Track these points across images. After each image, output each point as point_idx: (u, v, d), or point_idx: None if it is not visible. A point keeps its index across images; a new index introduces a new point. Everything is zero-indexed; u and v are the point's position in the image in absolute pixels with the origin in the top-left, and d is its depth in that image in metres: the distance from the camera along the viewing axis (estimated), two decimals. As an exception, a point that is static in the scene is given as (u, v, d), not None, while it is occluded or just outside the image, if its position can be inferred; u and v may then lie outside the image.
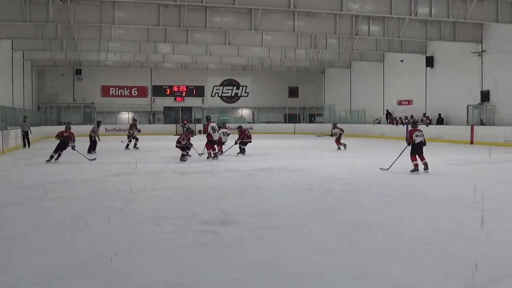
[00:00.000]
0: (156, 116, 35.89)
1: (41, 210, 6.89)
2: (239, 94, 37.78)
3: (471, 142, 20.90)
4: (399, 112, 27.84)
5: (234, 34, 22.12)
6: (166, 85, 35.95)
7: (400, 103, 28.39)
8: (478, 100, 22.25)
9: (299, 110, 38.16)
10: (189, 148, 13.90)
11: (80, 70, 33.24)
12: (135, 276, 3.92)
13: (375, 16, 19.68)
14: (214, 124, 14.94)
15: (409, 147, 10.67)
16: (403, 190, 8.51)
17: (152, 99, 35.89)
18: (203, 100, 36.80)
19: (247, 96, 37.85)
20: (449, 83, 24.24)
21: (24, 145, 18.74)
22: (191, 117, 35.56)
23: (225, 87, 37.48)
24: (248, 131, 16.27)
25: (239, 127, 16.40)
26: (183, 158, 13.56)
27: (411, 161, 10.59)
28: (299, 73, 37.41)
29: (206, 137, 14.42)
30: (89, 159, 13.89)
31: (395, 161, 10.89)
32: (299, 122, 36.87)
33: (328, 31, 20.53)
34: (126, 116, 35.71)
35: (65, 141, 13.60)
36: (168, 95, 36.06)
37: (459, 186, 9.08)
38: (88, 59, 30.95)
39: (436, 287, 3.72)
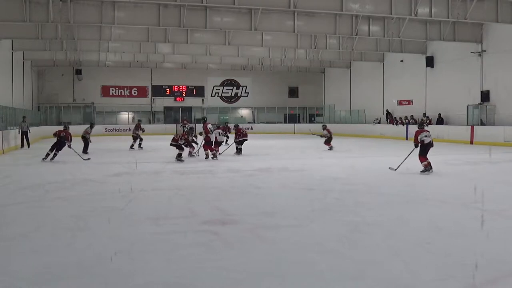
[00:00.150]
0: (156, 116, 35.90)
1: (41, 210, 6.89)
2: (239, 94, 37.79)
3: (471, 142, 20.91)
4: (399, 112, 27.84)
5: (234, 34, 22.12)
6: (166, 85, 35.95)
7: (400, 103, 28.40)
8: (478, 100, 22.25)
9: (299, 110, 38.17)
10: (182, 149, 13.81)
11: (80, 70, 33.25)
12: (135, 276, 3.92)
13: (375, 16, 19.68)
14: (210, 125, 15.02)
15: (417, 148, 10.56)
16: (403, 190, 8.51)
17: (152, 99, 35.89)
18: (203, 100, 36.80)
19: (247, 96, 37.86)
20: (449, 83, 24.25)
21: (22, 145, 18.69)
22: (191, 117, 35.55)
23: (225, 87, 37.48)
24: (244, 130, 16.37)
25: (236, 126, 16.65)
26: (179, 158, 13.53)
27: (420, 162, 10.48)
28: (299, 73, 37.41)
29: (204, 138, 14.41)
30: (84, 159, 14.04)
31: (403, 161, 10.84)
32: (299, 122, 36.87)
33: (328, 31, 20.53)
34: (126, 116, 35.75)
35: (61, 141, 13.79)
36: (168, 95, 36.07)
37: (459, 186, 9.08)
38: (88, 59, 30.95)
39: (436, 287, 3.72)
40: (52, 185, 9.17)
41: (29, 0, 16.80)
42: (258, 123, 36.33)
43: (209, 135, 14.35)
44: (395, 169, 10.77)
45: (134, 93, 35.68)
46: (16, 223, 5.97)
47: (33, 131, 21.97)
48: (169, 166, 12.43)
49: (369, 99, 31.05)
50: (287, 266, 4.17)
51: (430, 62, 25.59)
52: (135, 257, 4.47)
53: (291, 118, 37.25)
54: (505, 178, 10.19)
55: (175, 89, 36.13)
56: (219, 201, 7.31)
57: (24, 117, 19.51)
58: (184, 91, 36.28)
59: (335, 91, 36.04)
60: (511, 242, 5.03)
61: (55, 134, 14.11)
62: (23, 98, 27.22)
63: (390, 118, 28.24)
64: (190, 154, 15.02)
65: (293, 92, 38.49)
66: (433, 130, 23.17)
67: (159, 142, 22.31)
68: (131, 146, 18.39)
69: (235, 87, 37.69)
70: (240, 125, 17.45)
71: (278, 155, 16.18)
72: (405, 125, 26.12)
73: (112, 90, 35.30)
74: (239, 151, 15.86)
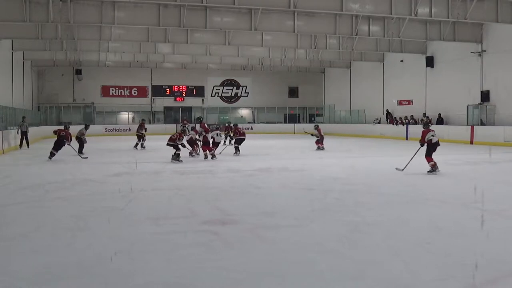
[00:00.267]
0: (156, 116, 35.89)
1: (41, 210, 6.89)
2: (239, 94, 37.79)
3: (471, 142, 20.91)
4: (399, 112, 27.85)
5: (234, 34, 22.13)
6: (166, 85, 35.95)
7: (400, 103, 28.40)
8: (478, 100, 22.25)
9: (299, 110, 38.17)
10: (179, 149, 13.78)
11: (80, 70, 33.25)
12: (135, 276, 3.92)
13: (375, 16, 19.68)
14: (206, 125, 15.08)
15: (422, 148, 10.53)
16: (403, 190, 8.51)
17: (152, 99, 35.90)
18: (203, 100, 36.80)
19: (247, 96, 37.86)
20: (449, 83, 24.25)
21: (21, 146, 18.66)
22: (191, 117, 35.54)
23: (225, 87, 37.49)
24: (242, 129, 16.41)
25: (234, 125, 16.78)
26: (178, 158, 13.51)
27: (427, 162, 10.43)
28: (299, 73, 37.41)
29: (203, 138, 14.37)
30: (82, 157, 14.43)
31: (410, 161, 10.82)
32: (299, 122, 36.84)
33: (328, 31, 20.53)
34: (126, 116, 35.75)
35: (61, 140, 14.17)
36: (168, 95, 36.07)
37: (459, 186, 9.08)
38: (88, 59, 30.96)
39: (436, 287, 3.72)
40: (52, 185, 9.17)
41: (29, 0, 16.81)
42: (258, 123, 36.33)
43: (207, 134, 14.35)
44: (402, 169, 10.74)
45: (134, 93, 35.68)
46: (16, 223, 5.97)
47: (33, 131, 21.97)
48: (169, 166, 12.43)
49: (369, 99, 31.05)
50: (287, 266, 4.17)
51: (430, 62, 25.59)
52: (135, 257, 4.47)
53: (291, 118, 37.25)
54: (505, 178, 10.19)
55: (175, 89, 36.13)
56: (219, 201, 7.31)
57: (23, 117, 19.52)
58: (184, 91, 36.28)
59: (335, 91, 36.04)
60: (511, 242, 5.03)
61: (55, 132, 14.54)
62: (23, 98, 27.22)
63: (390, 118, 28.24)
64: (190, 154, 15.03)
65: (293, 92, 38.49)
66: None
67: (159, 142, 22.28)
68: (136, 145, 18.53)
69: (235, 87, 37.69)
70: (239, 125, 17.56)
71: (278, 155, 16.19)
72: (405, 125, 26.12)
73: (112, 90, 35.30)
74: (237, 150, 15.90)
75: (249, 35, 22.33)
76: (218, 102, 37.32)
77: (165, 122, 35.37)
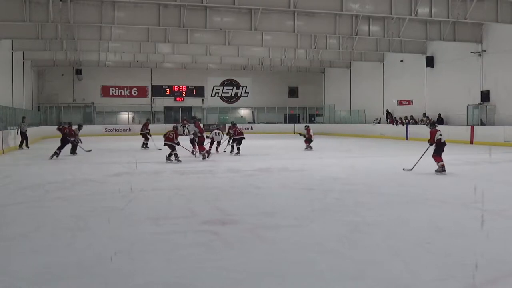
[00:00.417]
0: (156, 116, 35.88)
1: (41, 210, 6.89)
2: (239, 94, 37.79)
3: (471, 142, 20.91)
4: (399, 112, 27.85)
5: (234, 34, 22.13)
6: (166, 85, 35.95)
7: (400, 103, 28.40)
8: (478, 100, 22.25)
9: (299, 110, 38.17)
10: (175, 149, 13.73)
11: (80, 70, 33.25)
12: (135, 276, 3.92)
13: (375, 16, 19.68)
14: (201, 126, 15.08)
15: (430, 148, 10.56)
16: (403, 190, 8.51)
17: (152, 99, 35.90)
18: (203, 100, 36.80)
19: (247, 96, 37.86)
20: (449, 83, 24.25)
21: (21, 146, 18.63)
22: (191, 117, 35.52)
23: (225, 87, 37.49)
24: (240, 129, 16.44)
25: (232, 124, 16.79)
26: (176, 157, 13.48)
27: (435, 162, 10.45)
28: (299, 73, 37.41)
29: (198, 138, 14.30)
30: (86, 150, 15.35)
31: (418, 161, 10.82)
32: (299, 122, 36.82)
33: (328, 31, 20.53)
34: (126, 116, 35.75)
35: (65, 138, 14.70)
36: (168, 95, 36.07)
37: (459, 186, 9.08)
38: (88, 59, 30.96)
39: (436, 287, 3.72)
40: (52, 185, 9.17)
41: (29, 0, 16.81)
42: (258, 123, 36.34)
43: (203, 134, 14.33)
44: (411, 169, 10.74)
45: (134, 93, 35.67)
46: (16, 223, 5.97)
47: (33, 131, 21.97)
48: (169, 166, 12.43)
49: (369, 99, 31.05)
50: (287, 266, 4.17)
51: (430, 62, 25.59)
52: (135, 257, 4.47)
53: (291, 118, 37.25)
54: (505, 178, 10.19)
55: (175, 89, 36.13)
56: (219, 201, 7.31)
57: (23, 117, 19.51)
58: (184, 91, 36.28)
59: (335, 91, 36.04)
60: (511, 242, 5.03)
61: (59, 129, 15.03)
62: (23, 98, 27.21)
63: (390, 118, 28.24)
64: (192, 153, 15.06)
65: (293, 92, 38.49)
66: (433, 130, 23.34)
67: (159, 142, 22.31)
68: (143, 145, 18.65)
69: (235, 87, 37.69)
70: (237, 125, 17.50)
71: (278, 155, 16.19)
72: (405, 125, 26.13)
73: (112, 90, 35.30)
74: (237, 150, 15.91)
75: (249, 35, 22.33)
76: (218, 102, 37.32)
77: (165, 122, 35.34)
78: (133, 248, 4.77)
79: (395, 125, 27.02)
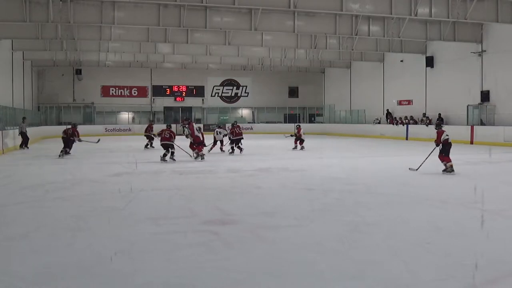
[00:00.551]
0: (156, 116, 35.87)
1: (41, 210, 6.89)
2: (239, 94, 37.78)
3: (471, 142, 20.91)
4: (399, 112, 27.85)
5: (234, 34, 22.12)
6: (166, 85, 35.95)
7: (400, 103, 28.39)
8: (478, 100, 22.25)
9: (299, 110, 38.15)
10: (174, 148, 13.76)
11: (80, 70, 33.24)
12: (135, 276, 3.92)
13: (375, 16, 19.68)
14: (197, 126, 15.03)
15: (437, 148, 10.59)
16: (403, 190, 8.51)
17: (152, 99, 35.89)
18: (203, 100, 36.80)
19: (247, 96, 37.86)
20: (449, 83, 24.24)
21: (21, 146, 18.62)
22: (191, 117, 35.53)
23: (225, 87, 37.48)
24: (238, 129, 16.53)
25: (232, 124, 17.00)
26: (172, 156, 13.49)
27: (441, 161, 10.48)
28: (299, 73, 37.40)
29: (194, 139, 14.21)
30: (95, 142, 16.12)
31: (424, 161, 10.81)
32: (299, 122, 36.83)
33: (328, 31, 20.53)
34: (126, 116, 35.75)
35: (68, 139, 14.96)
36: (168, 95, 36.06)
37: (459, 186, 9.08)
38: (88, 59, 30.95)
39: (436, 287, 3.72)
40: (52, 185, 9.17)
41: (29, 0, 16.80)
42: (258, 123, 36.33)
43: (197, 135, 14.26)
44: (416, 169, 10.75)
45: (134, 93, 35.67)
46: (16, 223, 5.97)
47: (33, 131, 21.96)
48: (169, 166, 12.43)
49: (369, 99, 31.05)
50: (287, 266, 4.17)
51: (430, 62, 25.58)
52: (135, 257, 4.47)
53: (291, 118, 37.21)
54: (505, 178, 10.19)
55: (175, 89, 36.12)
56: (219, 201, 7.31)
57: (24, 117, 19.52)
58: (184, 91, 36.27)
59: (335, 91, 36.04)
60: (511, 242, 5.03)
61: (64, 132, 15.25)
62: (23, 98, 27.21)
63: (390, 118, 28.24)
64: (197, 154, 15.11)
65: (293, 92, 38.48)
66: (433, 130, 23.29)
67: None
68: (146, 145, 18.67)
69: (235, 87, 37.69)
70: (236, 125, 17.60)
71: (278, 155, 16.19)
72: (405, 125, 26.13)
73: (112, 90, 35.29)
74: (239, 149, 15.95)
75: (249, 35, 22.33)
76: (218, 102, 37.31)
77: (165, 122, 35.31)
78: (133, 248, 4.77)
79: (395, 125, 27.02)
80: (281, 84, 37.93)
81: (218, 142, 16.70)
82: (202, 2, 16.61)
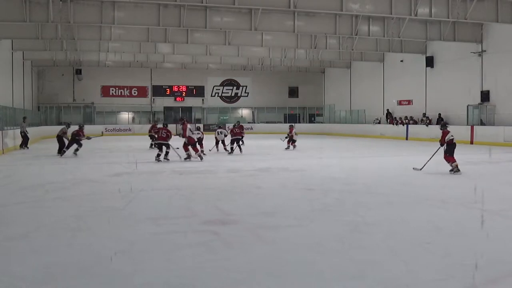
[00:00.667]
0: (156, 116, 35.88)
1: (41, 210, 6.88)
2: (239, 94, 37.79)
3: (471, 142, 20.90)
4: (399, 112, 27.85)
5: (234, 34, 22.12)
6: (166, 85, 35.96)
7: (400, 103, 28.40)
8: (478, 100, 22.25)
9: (299, 110, 38.17)
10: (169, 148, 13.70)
11: (80, 70, 33.26)
12: (135, 276, 3.92)
13: (375, 16, 19.68)
14: (190, 126, 14.94)
15: (441, 149, 10.63)
16: (403, 190, 8.51)
17: (152, 99, 35.90)
18: (203, 100, 36.81)
19: (247, 96, 37.86)
20: (449, 83, 24.24)
21: (22, 146, 18.61)
22: (191, 117, 35.57)
23: (225, 87, 37.49)
24: (236, 128, 16.63)
25: (234, 125, 17.28)
26: (166, 156, 13.48)
27: (447, 162, 10.49)
28: (299, 73, 37.41)
29: (188, 140, 14.05)
30: (100, 135, 16.87)
31: (428, 161, 10.82)
32: (299, 122, 36.84)
33: (328, 31, 20.53)
34: (126, 116, 35.75)
35: (73, 138, 15.11)
36: (168, 95, 36.08)
37: (459, 186, 9.07)
38: (88, 59, 30.97)
39: (436, 287, 3.72)
40: (52, 185, 9.17)
41: (29, 0, 16.81)
42: (258, 123, 36.33)
43: (191, 136, 14.22)
44: (420, 169, 10.76)
45: (134, 93, 35.68)
46: (16, 223, 5.97)
47: (33, 131, 21.95)
48: (169, 166, 12.42)
49: (369, 99, 31.05)
50: (287, 266, 4.16)
51: (430, 62, 25.59)
52: (135, 257, 4.47)
53: (291, 118, 37.21)
54: (505, 178, 10.19)
55: (175, 89, 36.14)
56: (219, 201, 7.31)
57: (24, 117, 19.53)
58: (184, 91, 36.29)
59: (335, 91, 36.04)
60: (511, 242, 5.03)
61: (74, 134, 15.31)
62: (23, 98, 27.21)
63: (390, 118, 28.24)
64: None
65: (293, 92, 38.49)
66: (433, 130, 23.33)
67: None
68: (154, 145, 18.59)
69: (235, 87, 37.70)
70: (237, 125, 17.86)
71: (278, 155, 16.18)
72: (405, 125, 26.13)
73: (112, 90, 35.30)
74: (231, 150, 16.01)
75: (249, 35, 22.33)
76: (218, 102, 37.32)
77: (165, 122, 35.31)
78: (133, 248, 4.77)
79: (395, 125, 27.02)
80: (281, 84, 37.94)
81: (220, 142, 16.84)
82: (202, 2, 16.61)
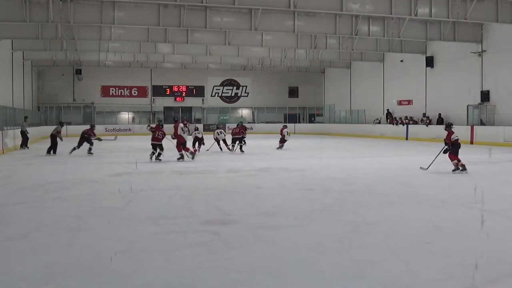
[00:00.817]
0: (156, 116, 35.87)
1: (41, 210, 6.88)
2: (239, 94, 37.79)
3: (471, 142, 20.90)
4: (399, 112, 27.85)
5: (234, 34, 22.12)
6: (166, 85, 35.96)
7: (400, 103, 28.40)
8: (478, 100, 22.25)
9: (299, 110, 38.17)
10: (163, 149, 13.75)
11: (80, 70, 33.25)
12: (135, 276, 3.92)
13: (375, 16, 19.68)
14: (182, 125, 14.92)
15: (445, 148, 10.67)
16: (403, 190, 8.51)
17: (152, 99, 35.90)
18: (203, 100, 36.81)
19: (247, 96, 37.86)
20: (449, 83, 24.24)
21: (22, 146, 18.60)
22: (191, 117, 35.57)
23: (225, 87, 37.48)
24: (237, 129, 16.76)
25: (237, 125, 17.27)
26: (159, 157, 13.54)
27: (451, 161, 10.56)
28: (299, 73, 37.41)
29: (178, 139, 14.01)
30: (111, 139, 16.86)
31: (433, 161, 10.83)
32: (299, 122, 36.89)
33: (328, 31, 20.53)
34: (126, 116, 35.75)
35: (83, 136, 15.46)
36: (168, 95, 36.07)
37: (459, 186, 9.07)
38: (88, 59, 30.97)
39: (436, 287, 3.72)
40: (52, 185, 9.17)
41: (29, 0, 16.81)
42: (258, 123, 36.32)
43: (182, 135, 14.19)
44: (426, 169, 10.77)
45: (134, 93, 35.68)
46: (16, 223, 5.97)
47: (33, 131, 21.94)
48: (169, 166, 12.42)
49: (369, 99, 31.05)
50: (287, 266, 4.16)
51: (430, 62, 25.59)
52: (135, 257, 4.47)
53: (291, 118, 37.23)
54: (505, 178, 10.19)
55: (175, 89, 36.13)
56: (219, 201, 7.31)
57: (26, 117, 19.53)
58: (184, 91, 36.28)
59: (335, 91, 36.04)
60: (511, 242, 5.03)
61: (84, 132, 15.66)
62: (23, 98, 27.21)
63: (390, 118, 28.24)
64: (194, 152, 15.17)
65: (293, 92, 38.49)
66: (433, 130, 23.35)
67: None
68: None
69: (235, 87, 37.69)
70: (244, 124, 18.11)
71: (278, 155, 16.18)
72: (405, 125, 26.13)
73: (112, 90, 35.30)
74: (230, 149, 16.31)
75: (249, 35, 22.33)
76: (218, 102, 37.32)
77: (165, 122, 35.25)
78: (133, 248, 4.77)
79: (395, 125, 27.02)
80: (281, 84, 37.94)
81: (222, 142, 16.90)
82: (202, 2, 16.62)
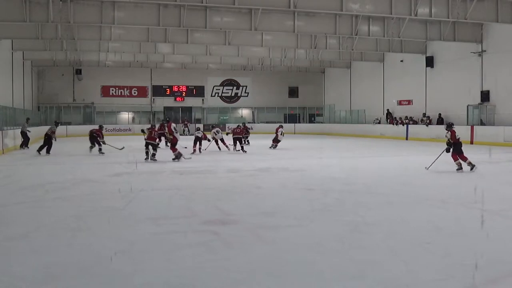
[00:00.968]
0: (156, 116, 35.86)
1: (41, 210, 6.89)
2: (239, 94, 37.78)
3: (471, 142, 20.89)
4: (399, 112, 27.84)
5: (234, 34, 22.12)
6: (166, 85, 35.95)
7: (400, 103, 28.39)
8: (478, 100, 22.25)
9: (299, 110, 38.16)
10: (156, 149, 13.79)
11: (80, 70, 33.25)
12: (135, 276, 3.92)
13: (375, 16, 19.68)
14: (174, 125, 14.98)
15: (449, 148, 10.74)
16: (403, 190, 8.51)
17: (152, 99, 35.89)
18: (203, 100, 36.80)
19: (247, 96, 37.85)
20: (449, 83, 24.24)
21: (21, 146, 18.59)
22: (191, 117, 35.58)
23: (225, 87, 37.48)
24: (238, 129, 17.20)
25: (238, 125, 17.62)
26: (153, 157, 13.55)
27: (456, 160, 10.63)
28: (299, 73, 37.40)
29: (171, 140, 13.98)
30: (119, 148, 16.56)
31: (435, 160, 10.84)
32: (299, 122, 36.88)
33: (328, 31, 20.53)
34: (126, 116, 35.74)
35: (92, 136, 15.84)
36: (168, 95, 36.07)
37: (459, 186, 9.07)
38: (88, 59, 30.96)
39: (436, 287, 3.72)
40: (52, 185, 9.17)
41: (29, 0, 16.80)
42: (258, 123, 36.31)
43: (175, 135, 14.19)
44: (428, 168, 10.83)
45: (134, 93, 35.67)
46: (16, 223, 5.97)
47: (33, 131, 21.91)
48: (169, 166, 12.43)
49: (369, 99, 31.05)
50: (287, 266, 4.16)
51: (430, 62, 25.58)
52: (135, 257, 4.47)
53: (291, 118, 37.23)
54: (505, 178, 10.19)
55: (175, 89, 36.12)
56: (219, 201, 7.31)
57: (28, 118, 19.55)
58: (184, 91, 36.28)
59: (335, 91, 36.04)
60: (511, 242, 5.03)
61: (92, 132, 16.07)
62: (23, 98, 27.21)
63: (390, 118, 28.23)
64: (199, 150, 15.48)
65: (293, 92, 38.48)
66: (433, 130, 23.36)
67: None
68: (165, 144, 18.53)
69: (235, 87, 37.69)
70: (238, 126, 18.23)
71: (278, 155, 16.18)
72: (405, 125, 26.13)
73: (112, 90, 35.29)
74: (229, 148, 16.54)
75: (249, 35, 22.33)
76: (218, 102, 37.32)
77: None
78: (133, 248, 4.77)
79: (395, 125, 27.02)
80: (281, 84, 37.93)
81: (220, 141, 16.94)
82: (202, 2, 16.62)
